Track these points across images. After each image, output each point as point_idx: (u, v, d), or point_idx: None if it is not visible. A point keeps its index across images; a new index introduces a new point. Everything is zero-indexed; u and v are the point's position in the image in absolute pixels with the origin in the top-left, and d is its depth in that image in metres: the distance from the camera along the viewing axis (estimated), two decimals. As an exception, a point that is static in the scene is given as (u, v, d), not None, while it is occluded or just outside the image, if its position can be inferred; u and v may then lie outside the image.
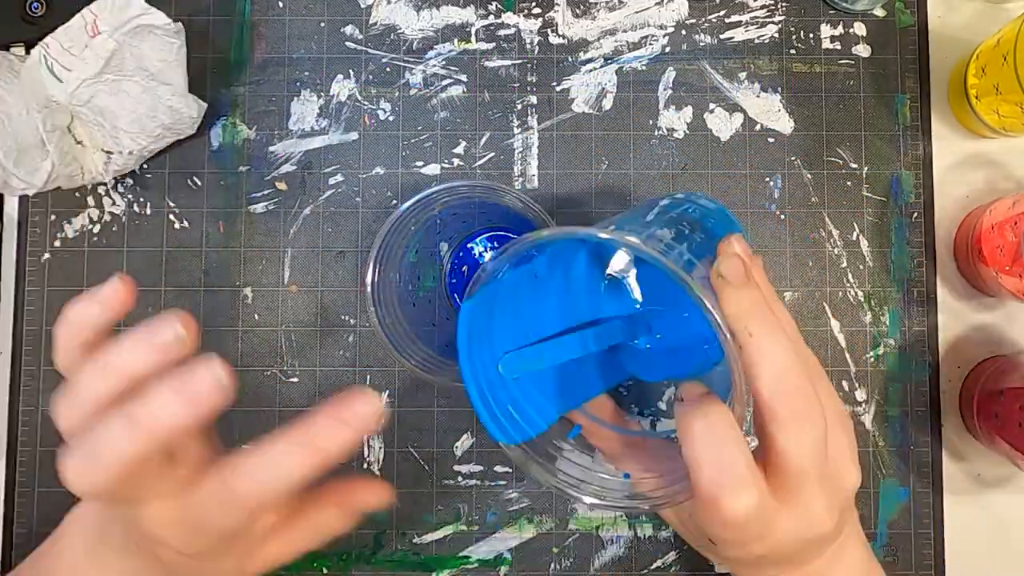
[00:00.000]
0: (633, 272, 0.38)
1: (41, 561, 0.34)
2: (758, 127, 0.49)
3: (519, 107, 0.49)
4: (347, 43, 0.49)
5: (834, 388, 0.32)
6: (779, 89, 0.49)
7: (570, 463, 0.34)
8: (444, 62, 0.49)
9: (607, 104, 0.49)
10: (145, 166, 0.49)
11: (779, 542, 0.29)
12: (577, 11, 0.49)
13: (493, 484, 0.47)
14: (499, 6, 0.49)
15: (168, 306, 0.48)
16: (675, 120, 0.49)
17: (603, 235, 0.29)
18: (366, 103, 0.49)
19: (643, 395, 0.45)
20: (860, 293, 0.48)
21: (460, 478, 0.47)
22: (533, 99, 0.49)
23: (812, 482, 0.29)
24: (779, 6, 0.49)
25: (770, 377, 0.28)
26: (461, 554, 0.47)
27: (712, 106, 0.49)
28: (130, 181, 0.49)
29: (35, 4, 0.46)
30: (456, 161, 0.49)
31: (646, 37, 0.49)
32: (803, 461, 0.28)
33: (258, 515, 0.31)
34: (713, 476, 0.27)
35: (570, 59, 0.49)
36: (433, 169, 0.49)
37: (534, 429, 0.35)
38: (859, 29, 0.49)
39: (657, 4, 0.50)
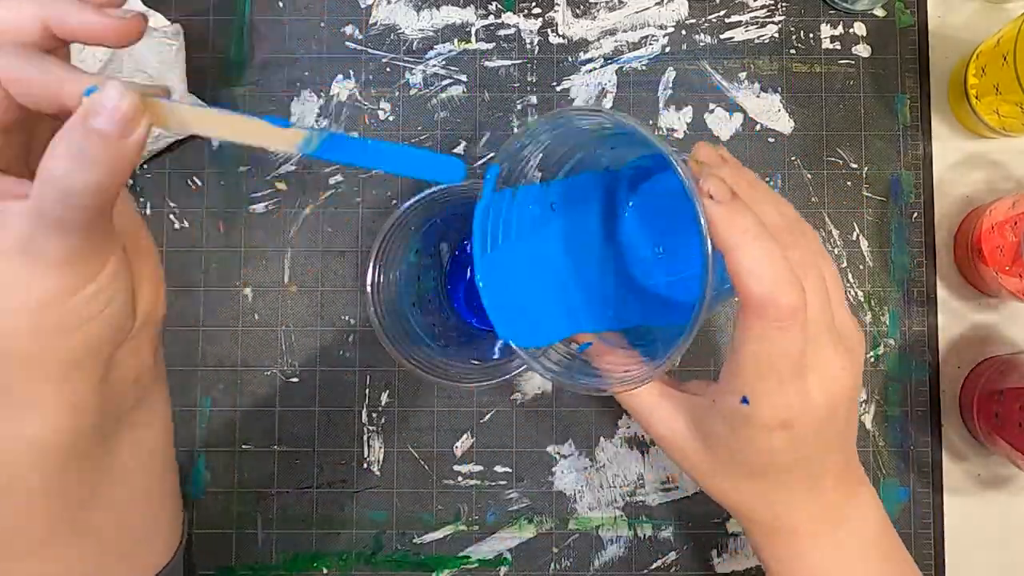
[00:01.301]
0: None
1: None
2: (758, 127, 0.49)
3: (519, 107, 0.49)
4: (347, 43, 0.49)
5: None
6: (779, 89, 0.49)
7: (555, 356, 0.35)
8: (444, 62, 0.49)
9: (607, 104, 0.49)
10: (145, 166, 0.49)
11: (807, 406, 0.30)
12: (577, 11, 0.49)
13: (493, 484, 0.47)
14: (499, 6, 0.49)
15: (168, 306, 0.48)
16: (675, 120, 0.49)
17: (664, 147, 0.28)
18: (366, 103, 0.49)
19: None
20: (860, 293, 0.48)
21: (460, 478, 0.47)
22: (533, 99, 0.49)
23: (823, 338, 0.31)
24: (779, 6, 0.49)
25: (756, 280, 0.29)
26: (461, 554, 0.47)
27: (712, 106, 0.49)
28: (130, 181, 0.49)
29: (35, 4, 0.46)
30: (456, 161, 0.49)
31: (646, 37, 0.49)
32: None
33: None
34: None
35: (570, 59, 0.49)
36: (433, 169, 0.49)
37: (547, 339, 0.34)
38: (859, 29, 0.49)
39: (657, 4, 0.50)
